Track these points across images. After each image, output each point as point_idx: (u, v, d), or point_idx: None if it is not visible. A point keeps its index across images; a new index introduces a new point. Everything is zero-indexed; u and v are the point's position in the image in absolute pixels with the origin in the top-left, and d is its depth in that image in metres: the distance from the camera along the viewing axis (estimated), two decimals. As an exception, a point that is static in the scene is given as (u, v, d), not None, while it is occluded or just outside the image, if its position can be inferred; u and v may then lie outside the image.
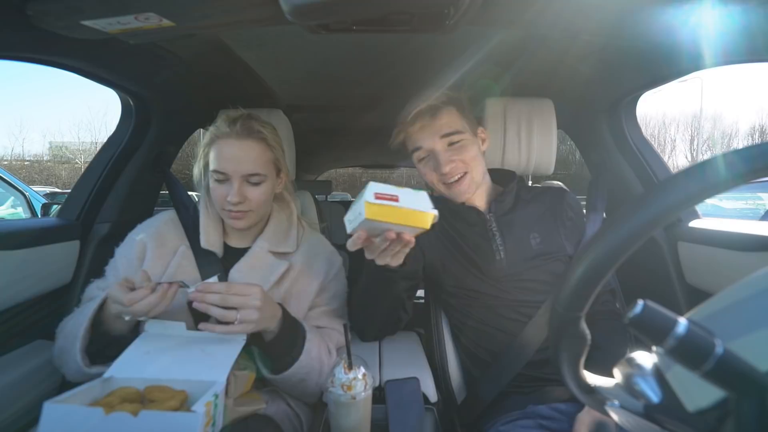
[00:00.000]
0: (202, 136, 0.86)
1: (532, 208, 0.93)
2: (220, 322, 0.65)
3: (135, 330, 0.72)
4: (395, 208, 0.53)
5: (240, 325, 0.64)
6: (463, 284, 0.90)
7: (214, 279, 0.69)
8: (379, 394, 0.87)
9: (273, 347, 0.69)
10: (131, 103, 1.12)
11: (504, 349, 0.84)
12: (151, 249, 0.82)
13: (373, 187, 0.52)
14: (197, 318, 0.76)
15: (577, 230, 0.93)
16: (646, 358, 0.34)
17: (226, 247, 0.85)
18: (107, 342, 0.70)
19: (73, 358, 0.67)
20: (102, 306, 0.70)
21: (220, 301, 0.63)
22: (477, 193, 0.93)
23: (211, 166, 0.78)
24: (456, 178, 0.87)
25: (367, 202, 0.51)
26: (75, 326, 0.70)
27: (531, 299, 0.85)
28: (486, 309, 0.87)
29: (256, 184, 0.79)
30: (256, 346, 0.72)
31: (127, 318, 0.66)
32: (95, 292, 0.81)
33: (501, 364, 0.84)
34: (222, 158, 0.77)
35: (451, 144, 0.87)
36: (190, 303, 0.76)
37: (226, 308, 0.64)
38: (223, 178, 0.77)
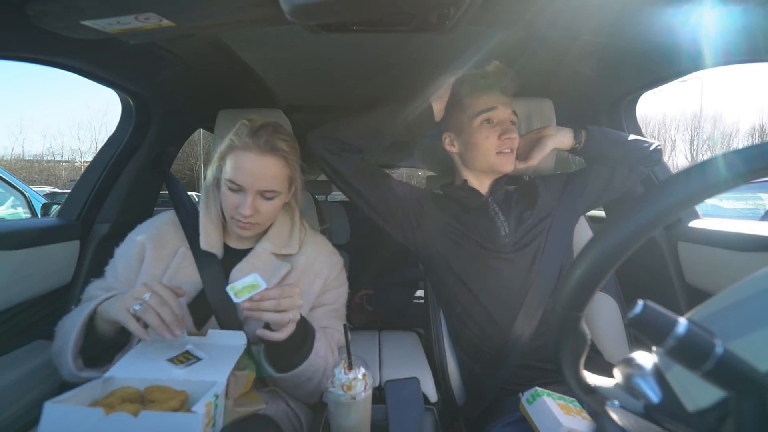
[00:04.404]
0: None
1: (517, 196, 1.01)
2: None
3: (125, 332, 0.68)
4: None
5: (290, 326, 0.65)
6: (471, 269, 0.91)
7: (255, 277, 0.64)
8: (379, 394, 0.87)
9: (284, 345, 0.68)
10: (131, 103, 1.12)
11: (504, 341, 0.85)
12: (150, 250, 0.81)
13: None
14: (198, 320, 0.77)
15: (554, 186, 1.01)
16: (646, 358, 0.34)
17: (226, 247, 0.85)
18: (100, 346, 0.70)
19: (66, 361, 0.67)
20: (93, 313, 0.69)
21: (275, 307, 0.62)
22: (483, 180, 1.00)
23: (227, 175, 0.77)
24: (511, 149, 0.94)
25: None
26: (69, 329, 0.69)
27: (525, 281, 0.88)
28: (490, 297, 0.88)
29: (270, 198, 0.78)
30: (265, 345, 0.71)
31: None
32: (95, 291, 0.81)
33: (501, 357, 0.85)
34: (239, 170, 0.76)
35: (512, 122, 0.95)
36: (188, 306, 0.76)
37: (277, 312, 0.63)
38: (238, 189, 0.77)
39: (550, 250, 0.91)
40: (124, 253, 0.84)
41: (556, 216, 0.95)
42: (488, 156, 0.93)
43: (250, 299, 0.62)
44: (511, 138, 0.92)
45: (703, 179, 0.29)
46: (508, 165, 0.94)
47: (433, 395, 0.92)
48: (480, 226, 0.93)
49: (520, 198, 1.00)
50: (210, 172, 0.84)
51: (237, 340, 0.68)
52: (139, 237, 0.84)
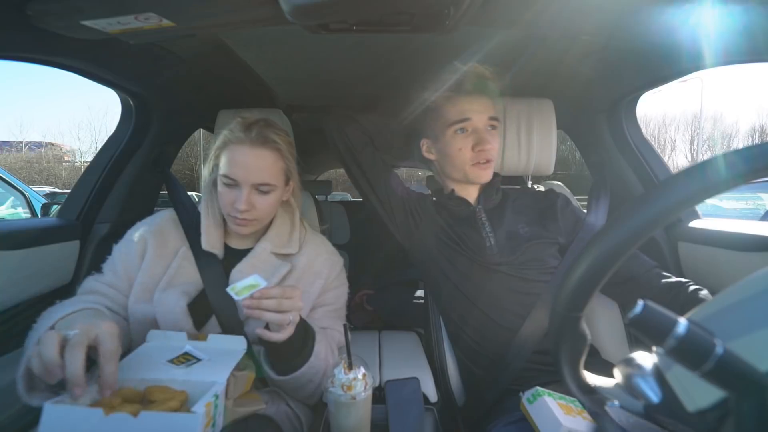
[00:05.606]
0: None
1: (519, 203, 0.97)
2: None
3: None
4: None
5: (290, 327, 0.64)
6: (465, 277, 0.90)
7: (255, 278, 0.64)
8: (379, 394, 0.87)
9: (285, 348, 0.68)
10: (131, 103, 1.12)
11: (504, 348, 0.85)
12: (152, 247, 0.81)
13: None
14: (198, 320, 0.77)
15: (571, 219, 0.95)
16: (646, 358, 0.34)
17: (226, 248, 0.85)
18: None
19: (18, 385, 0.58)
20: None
21: (275, 306, 0.62)
22: (469, 189, 0.97)
23: (222, 171, 0.77)
24: (488, 160, 0.89)
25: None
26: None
27: (528, 290, 0.86)
28: (487, 305, 0.87)
29: (265, 192, 0.78)
30: (265, 347, 0.71)
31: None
32: (93, 284, 0.80)
33: (502, 363, 0.84)
34: (233, 164, 0.76)
35: (492, 127, 0.90)
36: (189, 306, 0.76)
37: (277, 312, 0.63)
38: (233, 184, 0.77)
39: (565, 264, 0.89)
40: (124, 250, 0.83)
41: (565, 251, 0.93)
42: (464, 167, 0.91)
43: (251, 297, 0.62)
44: (486, 149, 0.88)
45: (703, 179, 0.29)
46: (484, 176, 0.91)
47: (433, 395, 0.92)
48: (468, 237, 0.91)
49: (522, 209, 0.95)
50: (206, 171, 0.84)
51: (237, 344, 0.68)
52: (141, 232, 0.83)
